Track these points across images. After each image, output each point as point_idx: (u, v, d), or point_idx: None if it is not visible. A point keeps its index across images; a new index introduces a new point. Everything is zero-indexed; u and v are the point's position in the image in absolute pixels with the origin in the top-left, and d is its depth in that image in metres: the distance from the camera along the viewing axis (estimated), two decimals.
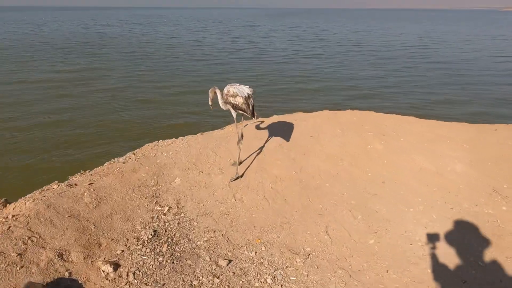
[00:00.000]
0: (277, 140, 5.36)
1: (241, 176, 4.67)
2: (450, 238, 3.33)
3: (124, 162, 5.09)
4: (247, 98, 4.17)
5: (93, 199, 4.00)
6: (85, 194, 4.09)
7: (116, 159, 5.50)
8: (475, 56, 22.41)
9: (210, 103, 4.75)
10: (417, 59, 20.58)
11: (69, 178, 4.88)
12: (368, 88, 13.59)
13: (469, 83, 14.70)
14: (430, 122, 5.86)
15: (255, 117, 4.28)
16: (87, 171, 5.11)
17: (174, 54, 20.18)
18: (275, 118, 6.67)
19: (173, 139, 6.06)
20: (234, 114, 4.51)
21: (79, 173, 5.01)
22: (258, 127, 6.09)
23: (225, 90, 4.34)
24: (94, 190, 4.19)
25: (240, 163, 4.87)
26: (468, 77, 15.89)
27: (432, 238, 3.33)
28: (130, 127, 9.18)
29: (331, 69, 17.00)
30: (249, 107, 4.18)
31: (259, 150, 5.09)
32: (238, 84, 4.34)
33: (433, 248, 3.23)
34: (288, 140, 5.30)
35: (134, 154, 5.46)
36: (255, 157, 4.92)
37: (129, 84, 12.94)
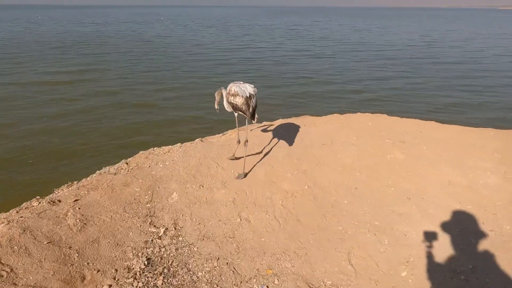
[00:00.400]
0: (285, 148, 4.87)
1: (237, 158, 4.50)
2: (498, 269, 2.84)
3: (115, 173, 4.60)
4: (248, 98, 3.87)
5: (78, 220, 3.50)
6: (69, 213, 3.59)
7: (107, 168, 5.03)
8: (483, 55, 21.93)
9: (216, 106, 4.41)
10: (423, 59, 20.09)
11: (54, 191, 4.42)
12: (374, 90, 13.08)
13: (481, 84, 14.19)
14: (453, 127, 5.39)
15: (255, 119, 3.98)
16: (75, 182, 4.64)
17: (172, 54, 19.68)
18: (281, 123, 6.19)
19: (170, 146, 5.58)
20: (235, 114, 4.18)
21: (65, 185, 4.55)
22: (263, 132, 5.61)
23: (227, 89, 4.06)
24: (79, 208, 3.70)
25: (238, 158, 4.61)
26: (480, 78, 15.38)
27: (476, 268, 2.85)
28: (124, 132, 8.67)
29: (336, 70, 16.51)
30: (248, 108, 3.89)
31: (266, 160, 4.60)
32: (242, 82, 4.03)
33: (479, 282, 2.75)
34: (298, 149, 4.81)
35: (127, 163, 4.97)
36: (261, 168, 4.43)
37: (125, 86, 12.42)
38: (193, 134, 8.13)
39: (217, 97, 4.26)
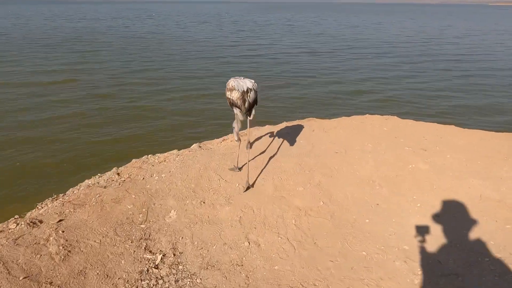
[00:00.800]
0: (294, 158, 4.45)
1: (240, 169, 4.21)
2: None
3: (105, 186, 4.16)
4: (244, 92, 3.68)
5: (61, 247, 3.05)
6: (51, 238, 3.14)
7: (97, 178, 4.60)
8: (486, 53, 21.64)
9: (236, 138, 4.16)
10: (424, 57, 19.75)
11: (37, 206, 3.98)
12: (378, 90, 12.64)
13: (489, 83, 13.82)
14: (475, 132, 5.00)
15: (251, 116, 3.82)
16: (61, 195, 4.21)
17: (166, 52, 19.13)
18: (285, 126, 5.77)
19: (166, 154, 5.14)
20: (240, 117, 3.89)
21: (50, 199, 4.12)
22: (267, 138, 5.19)
23: (227, 84, 3.85)
24: (63, 231, 3.25)
25: (241, 168, 4.28)
26: (487, 78, 15.01)
27: None
28: (115, 137, 8.17)
29: (336, 69, 16.08)
30: (244, 103, 3.69)
31: (273, 171, 4.18)
32: (242, 77, 3.83)
33: None
34: (308, 158, 4.40)
35: (119, 174, 4.53)
36: (269, 181, 4.01)
37: (117, 87, 11.85)
38: (190, 139, 7.67)
39: (235, 127, 4.02)
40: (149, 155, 5.17)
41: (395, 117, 6.78)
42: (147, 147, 7.55)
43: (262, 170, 4.23)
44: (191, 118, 9.49)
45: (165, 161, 4.76)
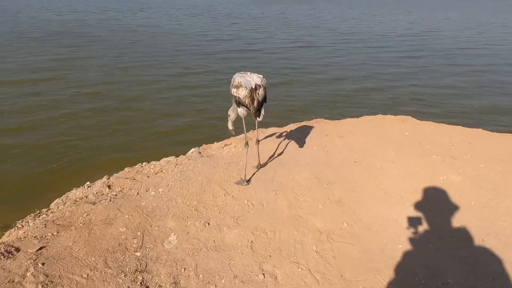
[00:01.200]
0: (308, 168, 4.00)
1: (248, 181, 3.79)
2: None
3: (94, 203, 3.68)
4: (253, 90, 3.33)
5: (40, 286, 2.56)
6: (28, 274, 2.67)
7: (85, 189, 4.14)
8: (491, 47, 21.25)
9: (230, 127, 4.03)
10: (424, 52, 19.32)
11: (17, 224, 3.52)
12: (383, 87, 12.15)
13: (501, 81, 13.35)
14: (507, 137, 4.57)
15: (260, 117, 3.45)
16: (44, 210, 3.74)
17: (159, 46, 18.49)
18: (293, 129, 5.31)
19: (162, 161, 4.67)
20: (241, 113, 3.57)
21: (32, 215, 3.66)
22: (274, 143, 4.73)
23: (231, 80, 3.50)
24: (43, 264, 2.77)
25: (249, 181, 3.85)
26: (498, 73, 14.56)
27: None
28: (106, 140, 7.63)
29: (338, 65, 15.57)
30: (252, 102, 3.35)
31: (286, 184, 3.72)
32: (249, 72, 3.48)
33: None
34: (324, 168, 3.94)
35: (110, 187, 4.06)
36: (282, 197, 3.55)
37: (109, 86, 11.22)
38: (188, 143, 7.15)
39: (231, 115, 3.74)
40: (144, 163, 4.69)
41: (411, 118, 6.35)
42: (141, 152, 7.06)
43: (272, 182, 3.77)
44: (187, 119, 8.95)
45: (161, 171, 4.27)
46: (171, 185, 3.83)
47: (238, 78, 3.39)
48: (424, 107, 10.41)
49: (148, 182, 3.99)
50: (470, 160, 3.99)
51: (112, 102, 9.75)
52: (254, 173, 3.97)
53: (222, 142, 5.55)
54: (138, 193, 3.78)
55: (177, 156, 4.97)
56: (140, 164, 4.68)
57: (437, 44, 21.53)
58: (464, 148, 4.24)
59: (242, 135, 5.80)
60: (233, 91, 3.44)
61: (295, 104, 10.27)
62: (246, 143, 3.77)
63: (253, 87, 3.33)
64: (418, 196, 3.48)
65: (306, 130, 5.25)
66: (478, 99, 11.23)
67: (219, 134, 7.85)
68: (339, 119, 6.39)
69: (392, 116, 6.54)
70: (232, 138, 5.61)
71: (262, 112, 3.51)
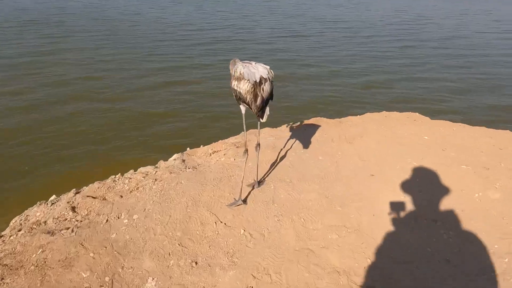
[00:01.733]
0: (315, 183, 3.37)
1: (244, 201, 3.17)
2: None
3: (53, 232, 3.03)
4: (256, 84, 2.77)
5: None
6: None
7: (47, 207, 3.49)
8: (490, 37, 20.83)
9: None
10: (418, 42, 18.81)
11: None
12: (380, 81, 11.51)
13: (504, 73, 12.83)
14: None
15: (264, 118, 2.90)
16: None
17: (141, 35, 17.47)
18: (292, 132, 4.67)
19: (138, 174, 4.00)
20: (242, 110, 3.01)
21: None
22: (270, 149, 4.08)
23: (233, 70, 2.95)
24: None
25: (245, 201, 3.22)
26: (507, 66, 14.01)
27: None
28: (74, 142, 6.80)
29: (327, 56, 14.91)
30: (255, 100, 2.79)
31: (290, 206, 3.08)
32: (254, 62, 2.90)
33: None
34: (335, 185, 3.33)
35: (74, 209, 3.38)
36: (287, 224, 2.91)
37: (86, 84, 10.18)
38: (170, 146, 6.41)
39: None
40: (117, 176, 4.01)
41: (419, 114, 5.82)
42: (114, 158, 6.28)
43: (273, 204, 3.12)
44: (171, 118, 8.18)
45: (137, 188, 3.59)
46: (149, 209, 3.15)
47: (240, 68, 2.81)
48: (423, 102, 9.87)
49: (120, 204, 3.30)
50: (506, 170, 3.42)
51: (88, 101, 8.86)
52: (250, 192, 3.32)
53: (209, 146, 4.88)
54: (107, 220, 3.09)
55: (156, 165, 4.31)
56: (113, 177, 3.99)
57: (433, 34, 21.09)
58: (496, 155, 3.68)
59: (233, 138, 5.14)
60: (234, 84, 2.86)
61: (290, 100, 9.59)
62: (246, 151, 3.12)
63: (258, 80, 2.75)
64: (451, 218, 2.89)
65: (307, 133, 4.61)
66: (480, 94, 10.74)
67: (207, 135, 7.16)
68: (339, 117, 5.80)
69: (397, 113, 5.98)
70: (220, 142, 4.95)
71: (267, 111, 2.91)
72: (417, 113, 5.94)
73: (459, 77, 12.30)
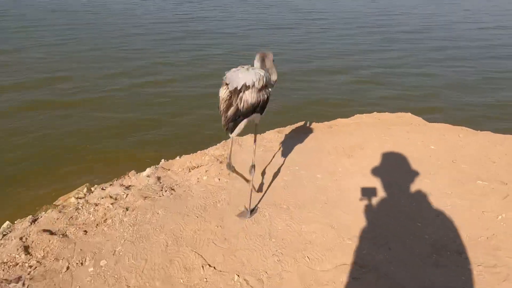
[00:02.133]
0: (316, 210, 2.95)
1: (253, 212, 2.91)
2: None
3: None
4: (234, 92, 2.42)
5: None
6: None
7: None
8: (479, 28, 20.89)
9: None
10: (407, 34, 18.71)
11: None
12: (365, 78, 11.10)
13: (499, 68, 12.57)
14: None
15: (233, 133, 2.55)
16: None
17: (103, 28, 16.47)
18: (281, 140, 4.24)
19: (106, 200, 3.49)
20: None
21: None
22: (259, 164, 3.63)
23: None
24: None
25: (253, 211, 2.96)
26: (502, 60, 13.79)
27: None
28: (32, 155, 6.03)
29: (308, 51, 14.49)
30: (226, 110, 2.45)
31: (292, 242, 2.64)
32: (251, 67, 2.57)
33: None
34: (341, 211, 2.90)
35: (27, 250, 2.83)
36: (290, 265, 2.47)
37: (48, 87, 9.25)
38: (141, 160, 5.70)
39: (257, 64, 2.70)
40: (80, 200, 3.48)
41: (411, 114, 5.57)
42: (76, 175, 5.48)
43: (270, 239, 2.67)
44: (139, 121, 7.46)
45: (105, 221, 3.05)
46: (120, 251, 2.63)
47: (228, 72, 2.53)
48: (409, 100, 9.57)
49: (84, 243, 2.75)
50: None
51: (50, 107, 8.00)
52: (241, 223, 2.85)
53: (187, 157, 4.38)
54: (68, 267, 2.55)
55: (126, 180, 3.79)
56: (76, 199, 3.47)
57: (423, 25, 21.11)
58: (509, 165, 3.38)
59: (213, 149, 4.60)
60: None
61: (273, 100, 9.03)
62: (253, 167, 2.82)
63: (238, 87, 2.38)
64: (474, 247, 2.53)
65: (298, 143, 4.17)
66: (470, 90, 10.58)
67: (182, 141, 6.57)
68: (327, 119, 5.43)
69: (389, 114, 5.73)
70: (200, 153, 4.43)
71: (237, 128, 2.53)
72: (409, 113, 5.67)
73: (441, 72, 12.15)
